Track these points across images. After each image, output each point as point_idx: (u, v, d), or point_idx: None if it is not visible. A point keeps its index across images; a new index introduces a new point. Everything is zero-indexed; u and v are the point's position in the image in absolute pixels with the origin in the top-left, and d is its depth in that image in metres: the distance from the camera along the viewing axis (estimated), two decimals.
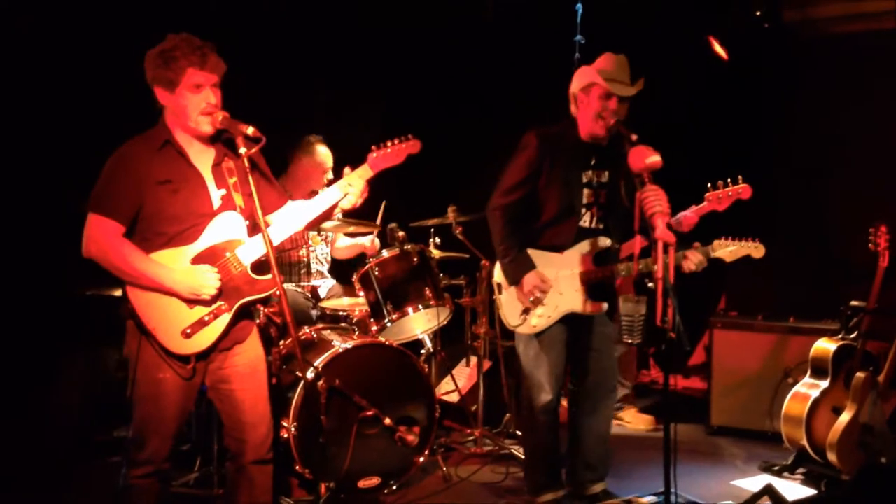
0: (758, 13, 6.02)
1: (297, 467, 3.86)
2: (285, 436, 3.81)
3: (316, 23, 5.64)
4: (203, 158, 3.03)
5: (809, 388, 4.39)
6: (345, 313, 4.60)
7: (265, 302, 3.51)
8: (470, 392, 5.10)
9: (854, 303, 4.39)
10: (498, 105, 5.93)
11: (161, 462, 2.99)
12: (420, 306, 4.38)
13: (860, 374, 4.16)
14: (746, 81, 6.16)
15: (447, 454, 4.66)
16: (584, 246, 3.79)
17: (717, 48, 6.10)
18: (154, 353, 2.92)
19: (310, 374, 3.61)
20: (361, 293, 4.44)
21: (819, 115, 5.94)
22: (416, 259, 4.44)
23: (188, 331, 2.93)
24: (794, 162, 6.13)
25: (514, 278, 3.76)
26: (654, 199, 3.18)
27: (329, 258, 5.08)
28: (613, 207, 3.82)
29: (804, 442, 4.32)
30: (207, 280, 2.92)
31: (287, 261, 4.80)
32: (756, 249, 3.84)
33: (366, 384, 3.91)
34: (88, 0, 4.70)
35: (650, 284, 3.14)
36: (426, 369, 4.42)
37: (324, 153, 4.79)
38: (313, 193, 3.28)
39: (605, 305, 3.82)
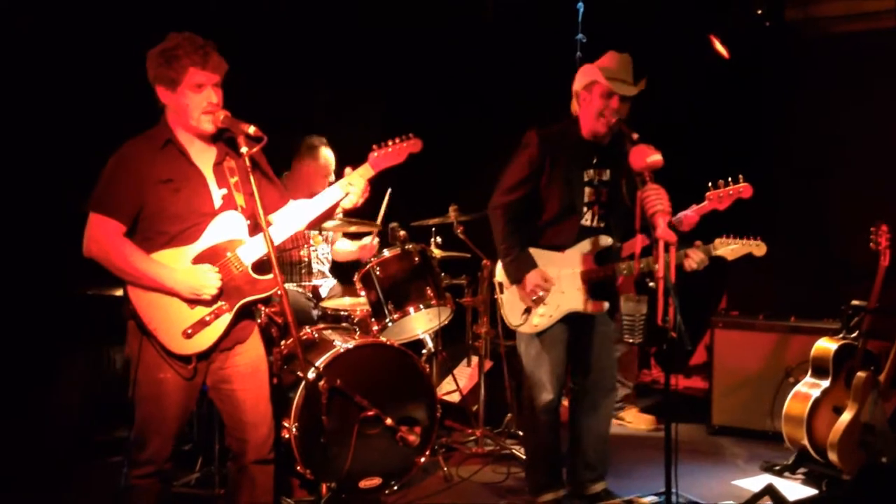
0: (759, 12, 6.02)
1: (298, 467, 3.85)
2: (286, 436, 3.80)
3: (316, 23, 5.64)
4: (204, 158, 3.03)
5: (810, 387, 4.38)
6: (346, 313, 4.60)
7: (266, 302, 3.51)
8: (471, 392, 5.10)
9: (855, 302, 4.39)
10: (498, 105, 5.92)
11: (162, 462, 2.98)
12: (421, 306, 4.38)
13: (861, 374, 4.16)
14: (747, 81, 6.16)
15: (448, 454, 4.66)
16: (585, 245, 3.79)
17: (719, 47, 6.09)
18: (155, 353, 2.92)
19: (311, 374, 3.62)
20: (362, 293, 4.44)
21: (820, 114, 5.94)
22: (417, 258, 4.44)
23: (189, 331, 2.93)
24: (794, 161, 6.13)
25: (516, 277, 3.76)
26: (656, 198, 3.17)
27: (330, 258, 5.08)
28: (615, 206, 3.81)
29: (805, 442, 4.32)
30: (208, 280, 2.92)
31: (288, 260, 4.79)
32: (758, 248, 3.84)
33: (367, 384, 3.90)
34: (89, 0, 4.69)
35: (651, 284, 3.13)
36: (427, 369, 4.41)
37: (327, 157, 4.77)
38: (314, 195, 3.28)
39: (606, 304, 3.81)
